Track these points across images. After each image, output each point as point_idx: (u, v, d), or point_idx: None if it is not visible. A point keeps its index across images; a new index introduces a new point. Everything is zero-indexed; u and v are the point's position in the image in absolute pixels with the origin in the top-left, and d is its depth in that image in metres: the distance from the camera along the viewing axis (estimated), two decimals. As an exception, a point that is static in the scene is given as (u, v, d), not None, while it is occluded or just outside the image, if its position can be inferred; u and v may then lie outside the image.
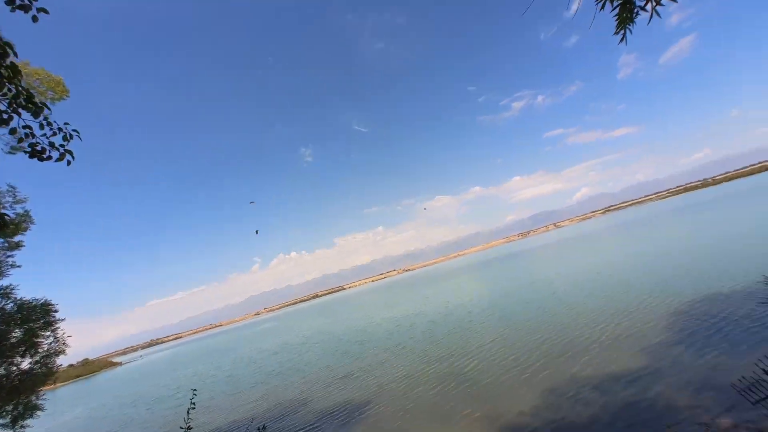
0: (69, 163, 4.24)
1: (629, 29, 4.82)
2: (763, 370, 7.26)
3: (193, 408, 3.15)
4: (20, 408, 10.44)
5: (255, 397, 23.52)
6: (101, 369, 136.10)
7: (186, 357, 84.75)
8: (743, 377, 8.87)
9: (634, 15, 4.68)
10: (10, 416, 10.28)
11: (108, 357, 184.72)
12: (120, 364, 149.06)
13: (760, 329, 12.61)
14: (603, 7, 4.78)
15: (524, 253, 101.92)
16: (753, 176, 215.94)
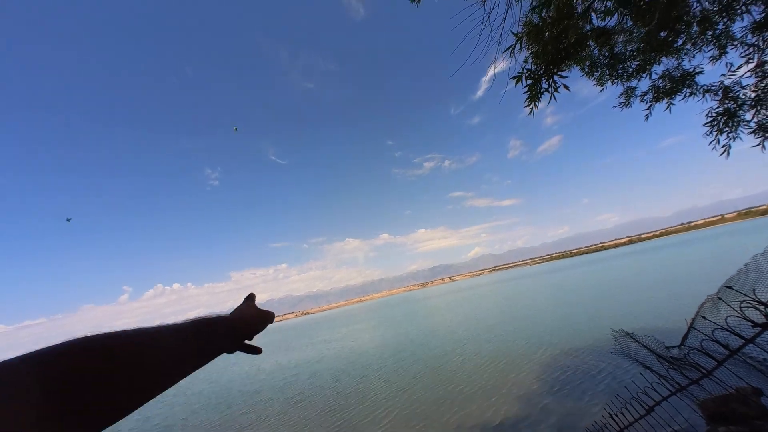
0: None
1: (536, 105, 5.81)
2: (609, 414, 8.44)
3: None
4: None
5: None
6: None
7: None
8: (595, 422, 10.18)
9: (540, 94, 5.69)
10: None
11: None
12: None
13: (608, 377, 14.85)
14: (517, 83, 5.75)
15: (422, 303, 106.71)
16: (596, 253, 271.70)
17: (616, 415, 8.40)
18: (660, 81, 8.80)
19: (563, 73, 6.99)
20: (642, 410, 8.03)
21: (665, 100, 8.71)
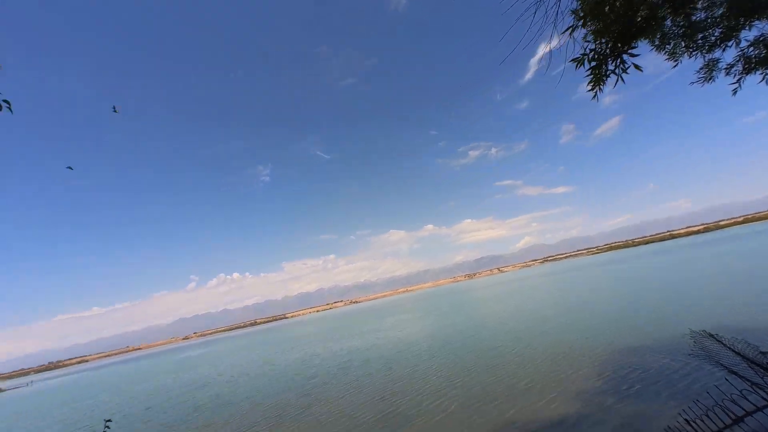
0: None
1: (600, 88, 5.45)
2: (686, 420, 7.79)
3: None
4: None
5: (167, 435, 20.73)
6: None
7: (89, 385, 73.35)
8: (668, 426, 9.44)
9: (605, 76, 5.32)
10: None
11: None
12: (1, 390, 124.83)
13: (683, 380, 13.63)
14: (579, 66, 5.42)
15: (469, 294, 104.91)
16: (664, 242, 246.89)
17: (695, 422, 7.73)
18: (751, 49, 7.71)
19: (634, 51, 6.42)
20: (728, 419, 7.31)
21: (759, 71, 7.62)
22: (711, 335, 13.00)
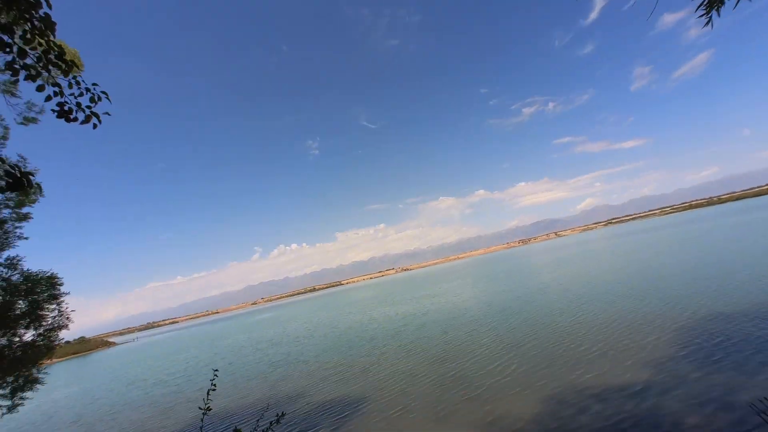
0: (95, 126, 4.09)
1: (717, 11, 4.59)
2: None
3: (214, 389, 2.98)
4: (21, 380, 10.40)
5: (255, 387, 23.51)
6: (96, 348, 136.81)
7: (183, 342, 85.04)
8: (756, 402, 8.60)
9: None
10: (9, 387, 10.24)
11: (104, 336, 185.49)
12: (114, 344, 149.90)
13: None
14: None
15: (524, 260, 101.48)
16: (761, 197, 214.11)
17: None
18: None
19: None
20: None
21: None
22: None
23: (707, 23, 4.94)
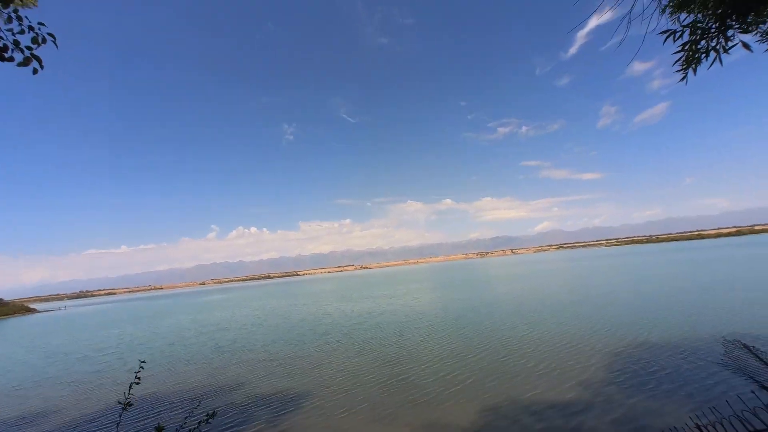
0: (35, 71, 3.48)
1: (694, 69, 4.77)
2: (696, 424, 7.54)
3: (137, 383, 2.59)
4: None
5: (194, 372, 22.22)
6: (14, 313, 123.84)
7: (118, 315, 79.16)
8: (674, 427, 9.26)
9: (703, 54, 4.63)
10: None
11: (26, 301, 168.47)
12: (36, 311, 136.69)
13: (704, 386, 13.18)
14: (667, 40, 4.72)
15: (482, 272, 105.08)
16: (690, 241, 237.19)
17: (706, 428, 7.46)
18: None
19: (745, 27, 5.59)
20: (745, 431, 7.02)
21: None
22: (745, 346, 12.47)
23: (683, 78, 5.14)
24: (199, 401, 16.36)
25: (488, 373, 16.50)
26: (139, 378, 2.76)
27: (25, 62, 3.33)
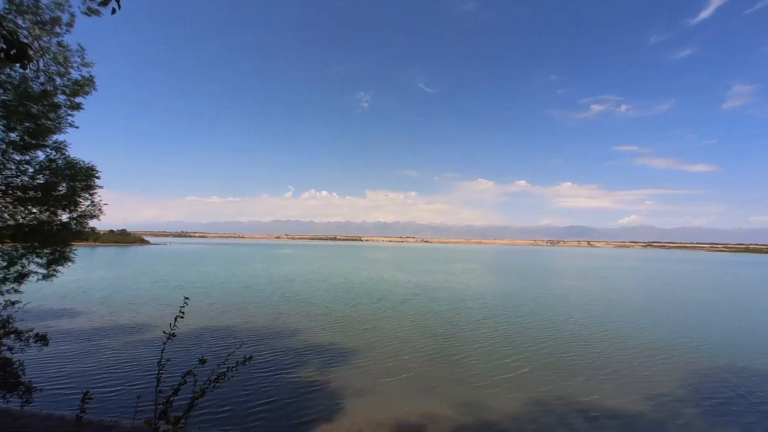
0: (114, 11, 3.59)
1: None
2: None
3: (182, 317, 2.66)
4: (56, 254, 11.08)
5: (261, 315, 24.76)
6: (134, 243, 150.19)
7: (208, 256, 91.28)
8: None
9: None
10: (46, 258, 10.96)
11: (142, 234, 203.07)
12: (149, 243, 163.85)
13: None
14: None
15: (553, 261, 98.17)
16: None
17: None
18: None
19: None
20: None
21: None
22: None
23: None
24: (262, 341, 18.22)
25: (544, 366, 15.51)
26: (183, 313, 2.88)
27: (104, 2, 3.44)
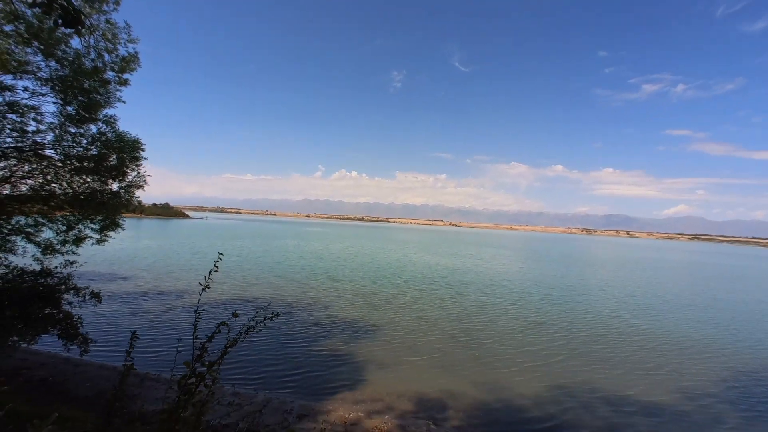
0: None
1: None
2: None
3: (216, 270, 2.81)
4: (107, 221, 11.96)
5: (291, 290, 25.77)
6: (176, 216, 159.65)
7: (242, 231, 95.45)
8: None
9: None
10: (99, 225, 11.88)
11: (182, 208, 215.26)
12: (189, 217, 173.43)
13: None
14: None
15: (590, 251, 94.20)
16: None
17: None
18: None
19: None
20: None
21: None
22: None
23: None
24: (292, 313, 19.03)
25: (577, 356, 15.13)
26: (217, 266, 3.03)
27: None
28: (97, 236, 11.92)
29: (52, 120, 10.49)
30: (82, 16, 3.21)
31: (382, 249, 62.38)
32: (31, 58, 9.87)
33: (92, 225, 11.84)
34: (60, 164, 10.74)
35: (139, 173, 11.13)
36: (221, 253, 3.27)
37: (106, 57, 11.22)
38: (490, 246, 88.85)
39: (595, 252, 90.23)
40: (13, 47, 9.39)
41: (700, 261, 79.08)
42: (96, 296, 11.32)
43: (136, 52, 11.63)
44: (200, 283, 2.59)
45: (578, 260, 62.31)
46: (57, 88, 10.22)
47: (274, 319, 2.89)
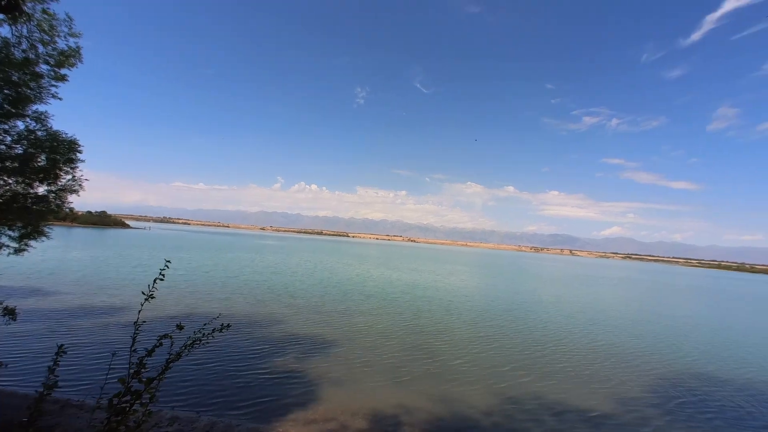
0: None
1: None
2: None
3: (162, 279, 2.65)
4: (29, 228, 10.72)
5: (244, 305, 24.43)
6: (114, 225, 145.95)
7: (190, 243, 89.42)
8: None
9: None
10: (19, 232, 10.59)
11: (123, 218, 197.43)
12: (129, 227, 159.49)
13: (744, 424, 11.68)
14: None
15: (538, 268, 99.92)
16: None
17: None
18: None
19: None
20: None
21: None
22: None
23: None
24: (244, 329, 18.00)
25: (529, 369, 15.76)
26: (163, 275, 2.84)
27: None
28: (15, 245, 10.61)
29: (-31, 113, 9.36)
30: (20, 2, 2.96)
31: (340, 264, 61.52)
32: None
33: (10, 232, 10.53)
34: (-26, 162, 9.53)
35: (74, 176, 10.13)
36: (169, 261, 3.05)
37: (41, 49, 10.28)
38: (447, 262, 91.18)
39: (546, 269, 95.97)
40: None
41: (635, 278, 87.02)
42: (10, 313, 9.98)
43: (78, 47, 10.78)
44: (143, 292, 2.40)
45: (531, 276, 65.81)
46: (-24, 77, 9.17)
47: (223, 331, 2.72)
